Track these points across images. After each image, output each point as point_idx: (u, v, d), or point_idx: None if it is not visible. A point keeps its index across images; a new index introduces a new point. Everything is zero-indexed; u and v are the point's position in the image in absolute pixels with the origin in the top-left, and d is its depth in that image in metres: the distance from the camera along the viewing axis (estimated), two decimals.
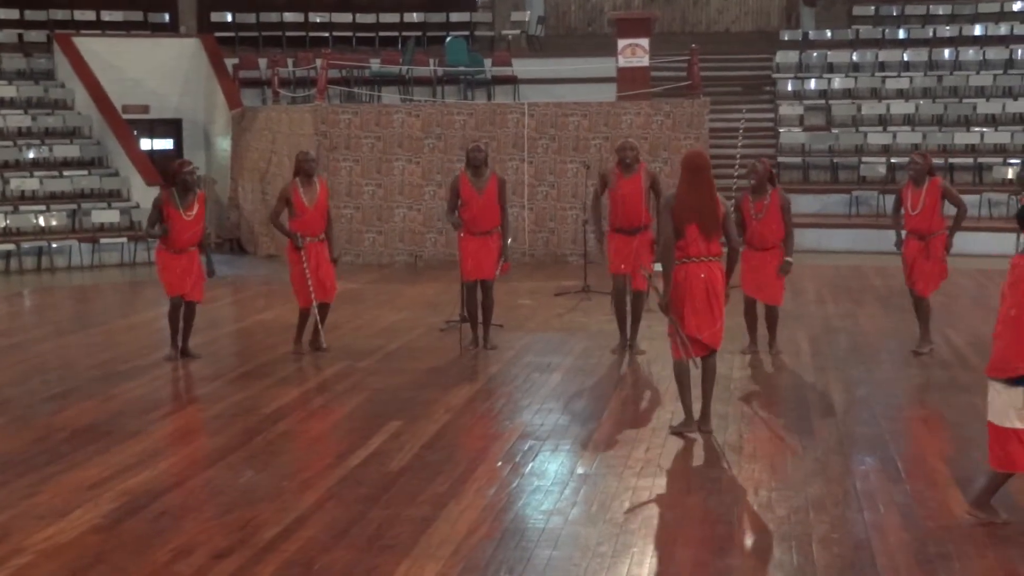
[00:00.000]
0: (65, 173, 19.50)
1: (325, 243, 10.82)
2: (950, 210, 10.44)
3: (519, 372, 10.12)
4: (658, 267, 9.08)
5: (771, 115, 21.83)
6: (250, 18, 23.69)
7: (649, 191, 10.53)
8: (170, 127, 21.57)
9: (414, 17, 24.19)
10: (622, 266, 10.59)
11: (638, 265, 10.48)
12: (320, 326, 10.99)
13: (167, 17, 23.52)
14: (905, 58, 22.78)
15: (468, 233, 10.88)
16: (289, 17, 23.86)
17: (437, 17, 24.18)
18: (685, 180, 7.74)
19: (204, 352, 10.96)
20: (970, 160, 20.21)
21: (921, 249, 10.44)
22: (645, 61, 18.48)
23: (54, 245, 18.14)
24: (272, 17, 23.80)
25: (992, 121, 21.06)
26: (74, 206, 18.89)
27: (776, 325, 10.73)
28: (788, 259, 10.41)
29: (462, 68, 21.53)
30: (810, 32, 24.10)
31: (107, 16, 22.90)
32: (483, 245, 10.90)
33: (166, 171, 10.78)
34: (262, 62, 22.33)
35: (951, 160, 20.11)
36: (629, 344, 10.74)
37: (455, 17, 24.24)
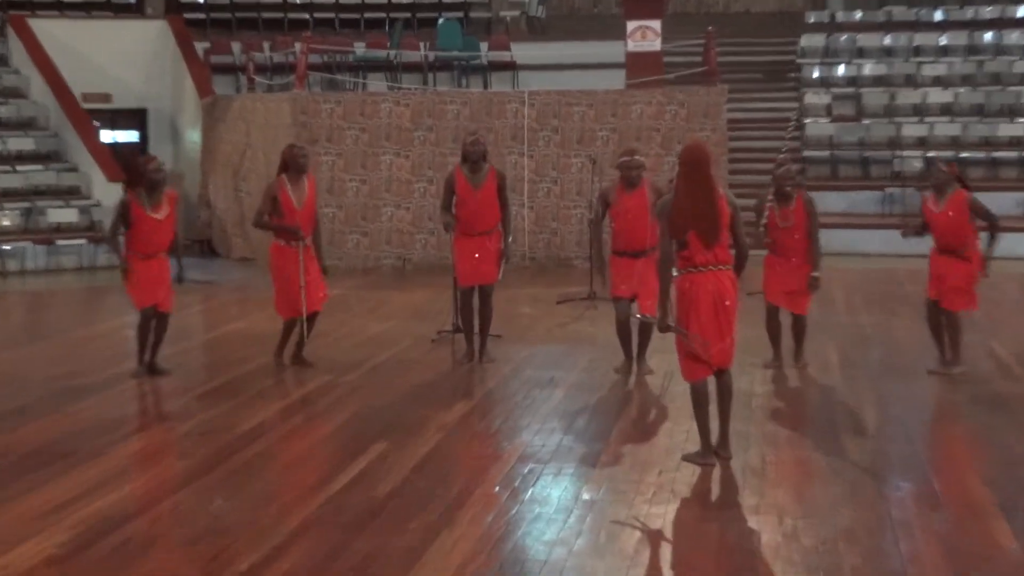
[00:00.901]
0: (19, 168, 19.50)
1: (311, 248, 10.76)
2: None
3: (518, 388, 10.10)
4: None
5: (795, 104, 21.85)
6: None
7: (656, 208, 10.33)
8: (134, 118, 21.56)
9: None
10: (623, 287, 10.35)
11: (643, 288, 10.25)
12: (306, 338, 10.95)
13: None
14: (942, 42, 22.80)
15: (463, 234, 10.85)
16: None
17: None
18: (682, 178, 7.58)
19: (172, 364, 10.94)
20: (1014, 154, 20.22)
21: (949, 264, 10.19)
22: (657, 45, 18.50)
23: (6, 247, 18.12)
24: None
25: None
26: (28, 204, 18.88)
27: (804, 335, 10.71)
28: (815, 274, 10.31)
29: (455, 53, 21.54)
30: (838, 14, 24.14)
31: None
32: (480, 246, 10.83)
33: (130, 170, 10.81)
34: (236, 46, 22.34)
35: (994, 154, 20.13)
36: (636, 362, 10.61)
37: None
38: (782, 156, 10.74)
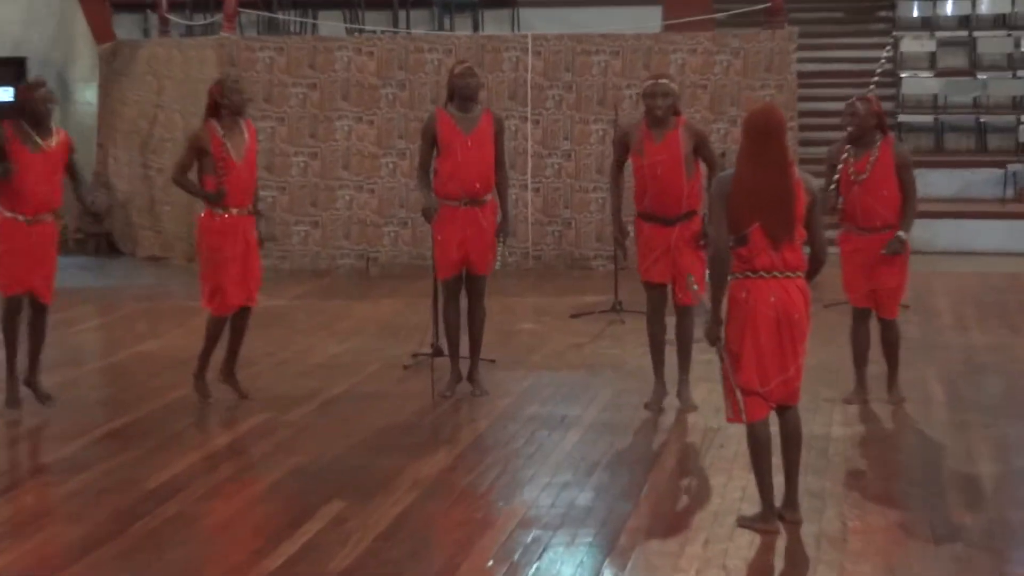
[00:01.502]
0: None
1: (252, 219, 10.74)
2: None
3: (519, 429, 10.13)
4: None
5: (889, 54, 21.86)
6: None
7: (693, 157, 10.28)
8: (9, 69, 21.57)
9: None
10: (656, 269, 10.37)
11: (681, 268, 10.30)
12: (236, 351, 10.92)
13: None
14: None
15: (445, 200, 10.73)
16: None
17: None
18: (747, 153, 7.58)
19: (61, 398, 10.95)
20: None
21: None
22: None
23: None
24: None
25: None
26: None
27: (897, 354, 10.69)
28: (900, 234, 10.20)
29: None
30: None
31: None
32: (471, 221, 10.76)
33: (12, 103, 10.79)
34: None
35: None
36: (678, 392, 10.62)
37: None
38: (865, 95, 10.45)
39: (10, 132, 10.40)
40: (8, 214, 10.45)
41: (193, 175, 10.68)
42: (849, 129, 10.30)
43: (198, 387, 10.89)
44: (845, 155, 10.33)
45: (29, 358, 10.72)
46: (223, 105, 10.59)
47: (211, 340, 10.83)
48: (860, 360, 10.71)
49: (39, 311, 10.65)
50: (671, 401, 10.59)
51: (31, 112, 10.42)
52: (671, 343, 10.58)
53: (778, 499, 7.86)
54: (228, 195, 10.54)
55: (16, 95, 10.66)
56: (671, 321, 10.61)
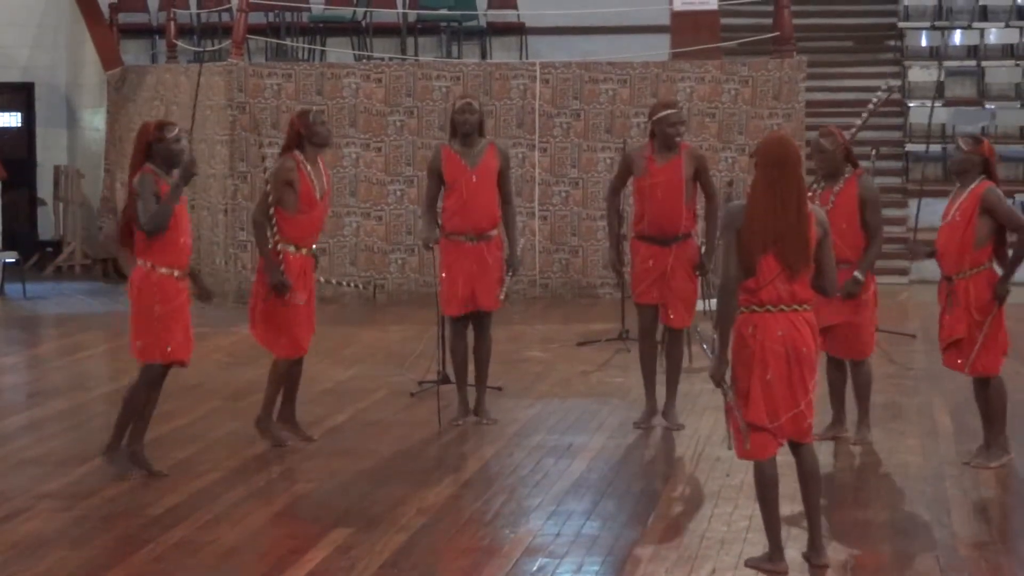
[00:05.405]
0: None
1: (314, 260, 10.36)
2: None
3: (525, 457, 10.15)
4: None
5: (896, 82, 21.90)
6: None
7: (693, 183, 10.51)
8: (17, 95, 21.62)
9: None
10: (652, 291, 10.56)
11: (670, 292, 10.45)
12: (293, 396, 10.52)
13: None
14: None
15: (452, 235, 10.79)
16: None
17: None
18: (762, 183, 7.54)
19: (69, 424, 10.94)
20: None
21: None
22: (713, 3, 18.55)
23: None
24: None
25: None
26: None
27: (866, 398, 10.40)
28: (857, 275, 9.81)
29: (444, 12, 21.61)
30: None
31: None
32: (477, 258, 10.78)
33: (140, 142, 9.45)
34: (152, 2, 22.42)
35: None
36: (663, 411, 10.75)
37: None
38: (830, 127, 10.25)
39: (156, 177, 9.28)
40: (163, 270, 9.32)
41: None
42: (820, 166, 10.10)
43: (266, 434, 10.36)
44: (815, 188, 10.05)
45: (138, 431, 9.65)
46: (308, 138, 10.12)
47: (276, 385, 10.32)
48: (832, 395, 10.38)
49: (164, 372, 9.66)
50: (661, 420, 10.77)
51: (165, 157, 9.32)
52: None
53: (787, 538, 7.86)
54: (305, 235, 10.21)
55: (144, 136, 9.40)
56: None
